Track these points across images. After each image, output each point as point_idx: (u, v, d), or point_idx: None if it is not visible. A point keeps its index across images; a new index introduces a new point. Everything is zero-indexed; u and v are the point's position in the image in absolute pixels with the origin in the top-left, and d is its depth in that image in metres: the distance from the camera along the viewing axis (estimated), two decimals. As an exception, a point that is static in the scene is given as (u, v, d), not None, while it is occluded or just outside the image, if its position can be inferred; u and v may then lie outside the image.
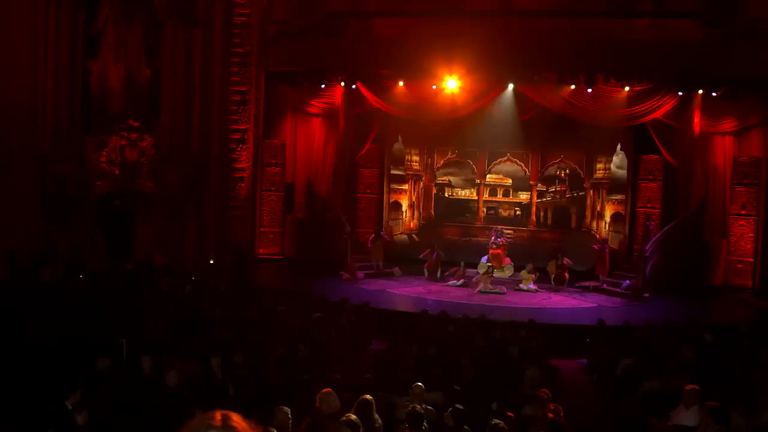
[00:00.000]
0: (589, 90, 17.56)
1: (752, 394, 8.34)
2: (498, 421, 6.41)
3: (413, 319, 13.06)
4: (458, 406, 6.91)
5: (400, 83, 18.13)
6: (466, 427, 6.75)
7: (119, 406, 7.22)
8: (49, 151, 18.26)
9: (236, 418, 2.32)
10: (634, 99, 17.58)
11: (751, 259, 17.51)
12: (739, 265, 17.69)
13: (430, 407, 7.33)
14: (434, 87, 18.04)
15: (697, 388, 7.94)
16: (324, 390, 7.19)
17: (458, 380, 8.67)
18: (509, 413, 7.37)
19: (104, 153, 18.53)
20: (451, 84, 17.67)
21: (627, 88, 17.38)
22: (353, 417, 6.08)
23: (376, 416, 6.72)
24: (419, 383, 7.65)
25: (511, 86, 18.14)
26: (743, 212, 17.68)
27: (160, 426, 7.13)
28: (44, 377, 7.74)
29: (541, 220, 20.33)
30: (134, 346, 9.17)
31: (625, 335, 12.38)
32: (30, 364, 8.33)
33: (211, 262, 18.19)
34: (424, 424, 6.63)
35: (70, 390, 6.96)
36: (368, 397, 6.73)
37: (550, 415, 7.25)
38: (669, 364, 9.92)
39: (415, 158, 21.05)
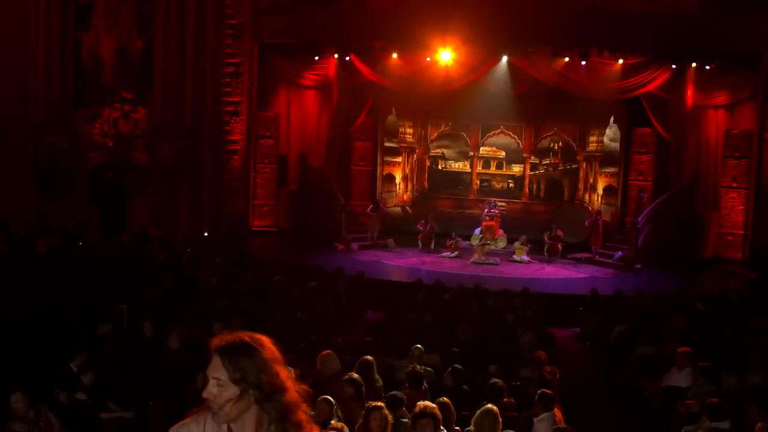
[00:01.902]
0: (583, 63, 17.60)
1: (742, 357, 8.52)
2: (497, 380, 6.54)
3: (409, 289, 13.16)
4: (457, 366, 7.03)
5: (394, 55, 18.08)
6: (465, 386, 6.87)
7: (123, 367, 7.31)
8: (42, 123, 18.17)
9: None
10: (627, 72, 17.63)
11: (742, 231, 17.67)
12: (730, 237, 17.87)
13: (429, 368, 7.45)
14: (428, 59, 18.02)
15: (690, 350, 8.10)
16: (324, 352, 7.30)
17: (456, 344, 8.80)
18: (513, 382, 7.51)
19: (97, 125, 18.42)
20: (445, 56, 17.66)
21: (621, 61, 17.44)
22: (355, 375, 6.19)
23: (377, 376, 6.84)
24: (418, 345, 7.77)
25: (505, 59, 18.14)
26: (734, 185, 17.80)
27: (163, 386, 7.24)
28: (48, 342, 7.82)
29: (534, 192, 20.44)
30: (134, 313, 9.25)
31: (618, 304, 12.55)
32: (33, 330, 8.40)
33: (206, 234, 18.22)
34: (424, 383, 6.75)
35: (75, 353, 7.04)
36: (369, 357, 6.84)
37: (548, 376, 7.39)
38: (662, 330, 10.11)
39: (409, 131, 21.07)
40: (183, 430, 2.56)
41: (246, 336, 2.52)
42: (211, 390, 2.46)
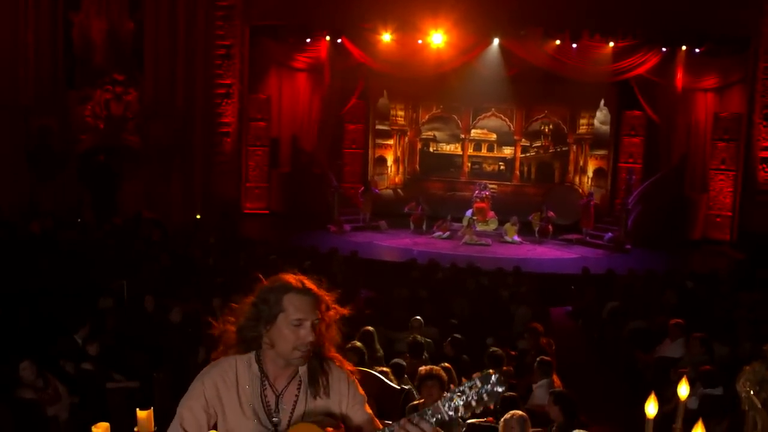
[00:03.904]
0: (574, 46, 17.72)
1: (732, 330, 8.71)
2: (496, 348, 6.66)
3: (403, 267, 13.27)
4: (457, 335, 7.14)
5: (386, 38, 18.08)
6: (465, 356, 6.99)
7: (125, 340, 7.39)
8: (32, 104, 18.06)
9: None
10: (618, 55, 17.75)
11: (730, 213, 17.91)
12: (718, 219, 18.09)
13: (428, 340, 7.57)
14: (420, 42, 18.06)
15: (682, 321, 8.27)
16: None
17: (453, 317, 8.92)
18: (511, 352, 7.65)
19: (89, 107, 18.35)
20: (437, 39, 17.72)
21: (611, 44, 17.56)
22: (358, 344, 6.29)
23: (378, 346, 6.94)
24: (417, 317, 7.89)
25: (496, 41, 18.21)
26: (723, 167, 18.00)
27: (165, 358, 7.32)
28: (50, 317, 7.88)
29: (525, 174, 20.58)
30: (133, 289, 9.31)
31: (610, 282, 12.72)
32: (35, 305, 8.45)
33: (198, 216, 18.24)
34: (425, 353, 6.86)
35: (79, 325, 7.11)
36: (370, 328, 6.94)
37: (545, 347, 7.52)
38: (653, 306, 10.29)
39: (401, 113, 21.13)
40: (216, 368, 2.65)
41: (295, 274, 2.68)
42: (311, 332, 2.55)
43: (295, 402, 2.61)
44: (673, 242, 17.46)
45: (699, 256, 17.17)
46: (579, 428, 4.78)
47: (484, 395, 2.20)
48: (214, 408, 2.61)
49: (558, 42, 17.75)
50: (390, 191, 21.15)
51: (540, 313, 9.91)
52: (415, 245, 17.11)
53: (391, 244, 17.36)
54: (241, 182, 19.24)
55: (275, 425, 2.58)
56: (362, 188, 19.38)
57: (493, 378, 2.21)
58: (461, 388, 2.23)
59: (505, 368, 6.75)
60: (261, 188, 19.63)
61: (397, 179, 21.25)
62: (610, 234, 17.62)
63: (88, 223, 15.56)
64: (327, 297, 2.66)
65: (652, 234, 17.56)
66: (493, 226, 18.55)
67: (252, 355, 2.64)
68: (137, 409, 3.20)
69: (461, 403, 2.22)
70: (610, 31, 17.37)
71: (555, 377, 6.49)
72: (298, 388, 2.62)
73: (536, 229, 18.10)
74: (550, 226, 18.04)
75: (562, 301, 13.32)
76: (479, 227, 18.23)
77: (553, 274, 14.57)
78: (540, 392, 6.23)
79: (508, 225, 18.05)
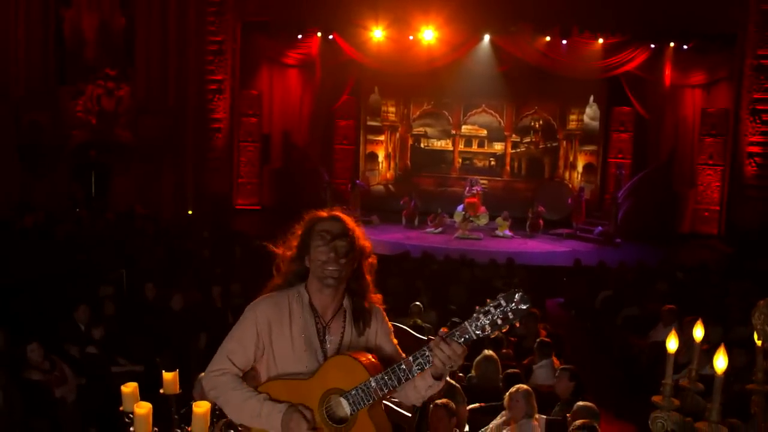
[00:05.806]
0: (564, 42, 17.88)
1: (724, 316, 8.86)
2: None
3: (397, 260, 13.34)
4: (455, 319, 7.23)
5: (377, 34, 18.16)
6: (464, 340, 7.09)
7: (127, 326, 7.44)
8: (24, 99, 18.02)
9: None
10: (607, 51, 17.94)
11: (717, 208, 18.12)
12: (706, 213, 18.29)
13: (428, 324, 7.67)
14: (411, 38, 18.16)
15: (675, 307, 8.41)
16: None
17: (450, 304, 9.02)
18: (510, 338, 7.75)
19: (80, 102, 18.33)
20: (428, 35, 17.83)
21: (601, 41, 17.74)
22: (361, 327, 6.37)
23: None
24: (417, 302, 7.98)
25: (487, 38, 18.35)
26: (710, 162, 18.21)
27: (167, 344, 7.39)
28: (51, 304, 7.92)
29: (515, 170, 20.75)
30: (133, 279, 9.36)
31: (601, 273, 12.87)
32: (35, 293, 8.48)
33: (190, 212, 18.25)
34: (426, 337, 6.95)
35: (75, 308, 7.16)
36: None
37: (543, 332, 7.65)
38: (645, 295, 10.43)
39: (392, 109, 21.24)
40: (269, 300, 2.79)
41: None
42: (339, 251, 2.74)
43: (342, 333, 2.71)
44: (662, 236, 17.65)
45: (687, 249, 17.34)
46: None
47: (509, 313, 2.33)
48: (263, 340, 2.73)
49: (548, 38, 17.91)
50: (381, 187, 21.24)
51: (535, 303, 10.03)
52: (407, 240, 17.21)
53: (383, 238, 17.41)
54: (232, 178, 19.25)
55: (324, 354, 2.68)
56: (350, 184, 19.47)
57: (517, 296, 2.33)
58: (486, 308, 2.36)
59: (504, 351, 6.86)
60: (253, 184, 19.65)
61: (388, 175, 21.35)
62: (600, 228, 17.81)
63: (80, 219, 15.52)
64: (358, 231, 2.81)
65: (642, 228, 17.76)
66: (484, 221, 18.67)
67: (302, 286, 2.78)
68: (163, 371, 3.30)
69: (487, 322, 2.35)
70: (600, 27, 17.53)
71: (554, 358, 6.61)
72: (344, 321, 2.76)
73: (527, 223, 18.26)
74: (540, 221, 18.21)
75: (555, 293, 13.47)
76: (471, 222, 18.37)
77: (545, 267, 14.70)
78: (540, 372, 6.36)
79: (499, 219, 18.20)
